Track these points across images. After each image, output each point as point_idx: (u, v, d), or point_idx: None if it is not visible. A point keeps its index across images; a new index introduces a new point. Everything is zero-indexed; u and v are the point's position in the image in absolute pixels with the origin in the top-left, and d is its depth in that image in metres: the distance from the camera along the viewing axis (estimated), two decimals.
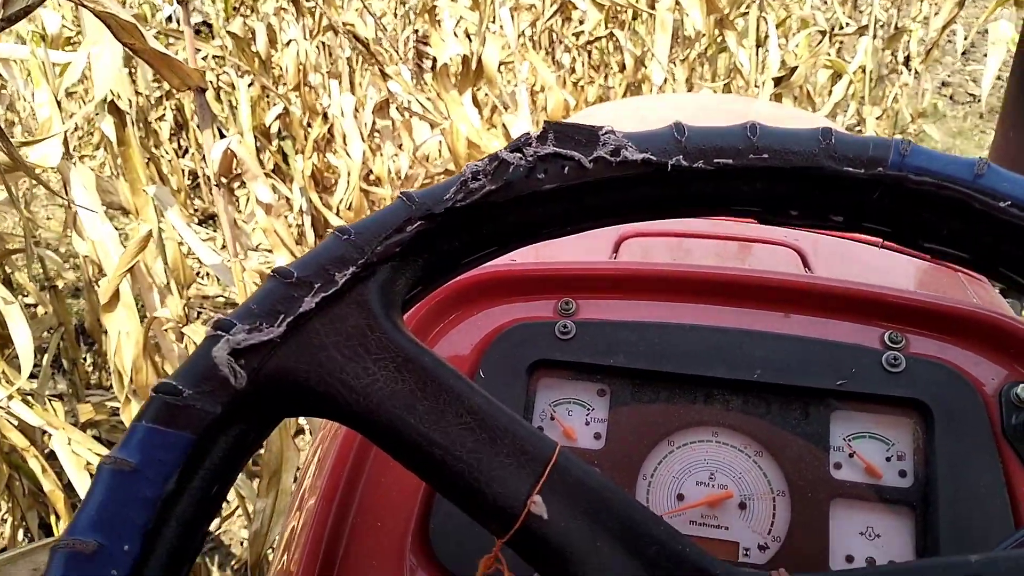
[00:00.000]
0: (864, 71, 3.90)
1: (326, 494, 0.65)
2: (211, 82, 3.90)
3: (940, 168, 0.40)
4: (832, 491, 0.64)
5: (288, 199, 3.39)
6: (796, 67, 3.26)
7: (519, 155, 0.42)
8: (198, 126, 2.06)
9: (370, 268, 0.39)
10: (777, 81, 3.22)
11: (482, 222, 0.42)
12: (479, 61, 2.79)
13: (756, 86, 3.22)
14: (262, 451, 1.83)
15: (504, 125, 2.70)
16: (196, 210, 4.35)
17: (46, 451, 1.95)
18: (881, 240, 0.45)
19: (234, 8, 4.23)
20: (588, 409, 0.70)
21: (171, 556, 0.35)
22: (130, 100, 2.18)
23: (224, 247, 1.99)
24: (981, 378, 0.66)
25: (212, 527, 2.31)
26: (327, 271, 0.39)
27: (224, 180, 1.84)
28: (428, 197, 0.42)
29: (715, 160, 0.42)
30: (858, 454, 0.65)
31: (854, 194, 0.42)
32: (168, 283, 2.08)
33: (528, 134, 0.43)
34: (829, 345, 0.68)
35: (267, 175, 3.41)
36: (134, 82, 3.36)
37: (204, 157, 1.81)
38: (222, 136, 1.81)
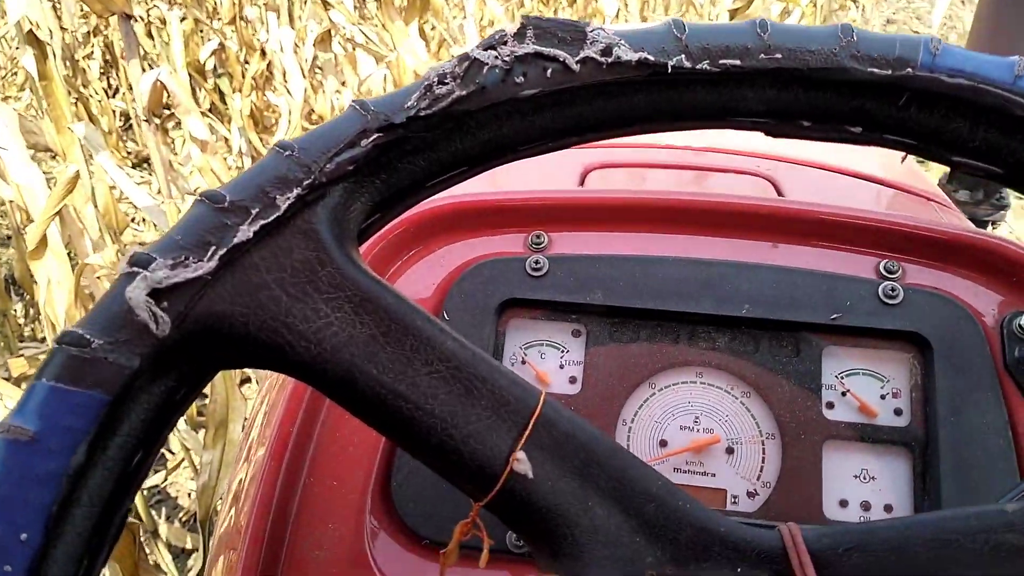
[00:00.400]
0: (815, 5, 3.86)
1: (275, 451, 0.59)
2: (141, 17, 3.67)
3: (976, 69, 0.35)
4: (824, 433, 0.60)
5: (226, 140, 3.23)
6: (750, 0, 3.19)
7: (493, 54, 0.36)
8: (123, 56, 1.92)
9: (319, 190, 0.34)
10: (732, 14, 3.15)
11: (450, 135, 0.37)
12: None
13: (710, 19, 3.15)
14: (206, 400, 1.76)
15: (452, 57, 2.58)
16: (129, 153, 4.14)
17: None
18: (902, 154, 0.40)
19: None
20: (563, 351, 0.65)
21: (83, 543, 0.29)
22: (51, 30, 2.01)
23: (160, 191, 1.87)
24: (982, 309, 0.62)
25: (157, 480, 2.23)
26: (267, 194, 0.34)
27: (155, 116, 1.71)
28: (386, 105, 0.36)
29: (721, 61, 0.36)
30: (852, 392, 0.61)
31: (877, 100, 0.36)
32: (100, 229, 1.96)
33: (503, 31, 0.37)
34: (821, 276, 0.63)
35: (203, 114, 3.24)
36: (59, 17, 3.13)
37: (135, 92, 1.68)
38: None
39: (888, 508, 0.58)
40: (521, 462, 0.32)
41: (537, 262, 0.64)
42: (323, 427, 0.62)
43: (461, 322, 0.63)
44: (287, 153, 0.34)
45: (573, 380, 0.64)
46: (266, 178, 0.34)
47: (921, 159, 0.42)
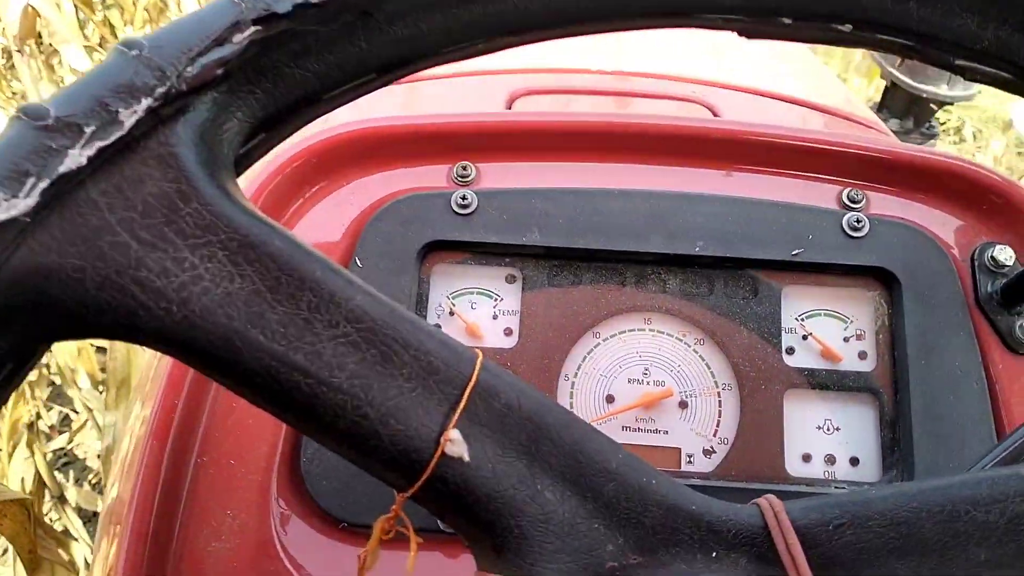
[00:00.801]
0: None
1: (158, 426, 0.50)
2: None
3: None
4: (785, 381, 0.54)
5: None
6: None
7: None
8: None
9: (178, 101, 0.27)
10: None
11: (352, 31, 0.29)
12: None
13: None
14: (106, 358, 1.63)
15: None
16: (15, 94, 3.81)
17: None
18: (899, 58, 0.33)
19: None
20: (496, 299, 0.57)
21: None
22: None
23: None
24: (951, 240, 0.57)
25: (62, 442, 2.10)
26: (106, 106, 0.26)
27: (34, 46, 1.52)
28: None
29: None
30: (814, 336, 0.55)
31: None
32: None
33: None
34: (781, 208, 0.56)
35: (92, 48, 2.98)
36: None
37: None
38: None
39: (854, 461, 0.53)
40: (454, 443, 0.27)
41: (464, 198, 0.56)
42: (217, 394, 0.53)
43: (376, 270, 0.55)
44: (134, 52, 0.26)
45: (508, 332, 0.56)
46: (105, 85, 0.26)
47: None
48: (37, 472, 1.61)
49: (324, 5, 0.27)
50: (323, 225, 0.57)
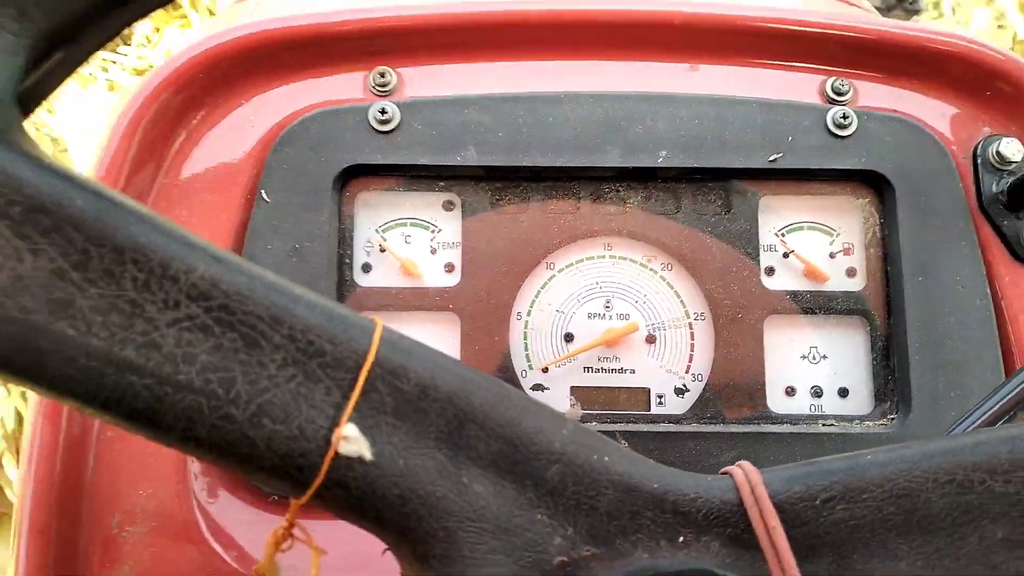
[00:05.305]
0: None
1: (48, 411, 0.42)
2: None
3: None
4: (765, 307, 0.48)
5: None
6: None
7: None
8: None
9: None
10: None
11: None
12: None
13: None
14: None
15: None
16: None
17: None
18: None
19: None
20: (433, 231, 0.49)
21: None
22: None
23: None
24: (951, 133, 0.49)
25: None
26: None
27: None
28: None
29: None
30: (796, 253, 0.49)
31: None
32: None
33: None
34: (756, 106, 0.49)
35: None
36: None
37: None
38: None
39: (843, 392, 0.48)
40: (350, 440, 0.22)
41: (383, 111, 0.47)
42: None
43: (290, 203, 0.46)
44: None
45: (450, 268, 0.49)
46: None
47: None
48: (17, 411, 1.55)
49: None
50: (221, 153, 0.48)
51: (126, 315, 0.21)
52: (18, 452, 1.49)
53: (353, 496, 0.23)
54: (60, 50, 0.22)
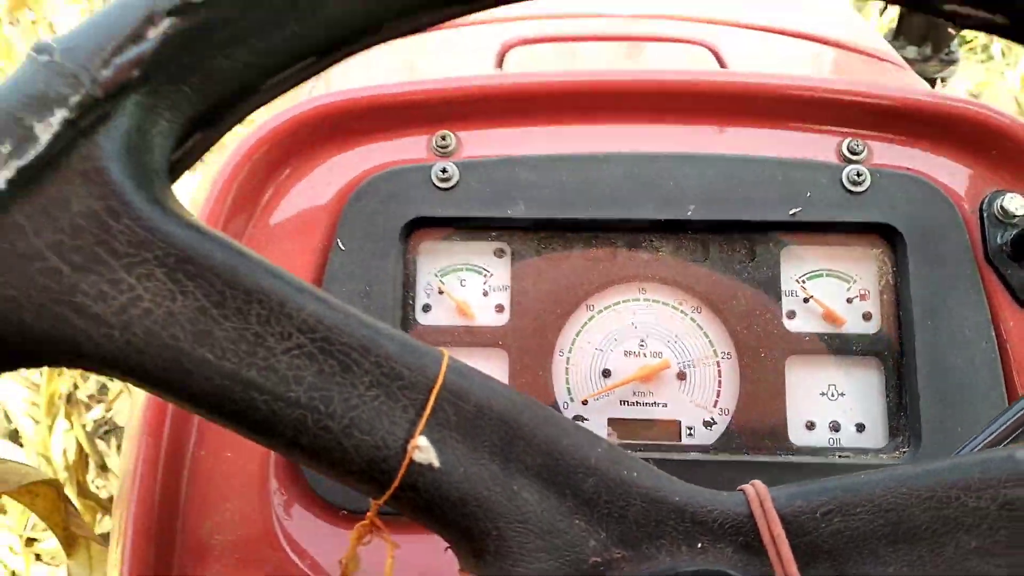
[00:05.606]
0: None
1: (151, 422, 0.49)
2: None
3: None
4: (787, 347, 0.52)
5: None
6: None
7: None
8: None
9: (96, 109, 0.25)
10: None
11: (280, 14, 0.27)
12: None
13: None
14: None
15: None
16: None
17: None
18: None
19: None
20: (485, 275, 0.55)
21: None
22: None
23: None
24: (959, 189, 0.54)
25: (102, 411, 2.13)
26: (20, 122, 0.24)
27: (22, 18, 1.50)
28: None
29: None
30: (815, 298, 0.53)
31: None
32: None
33: None
34: (776, 164, 0.54)
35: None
36: None
37: None
38: None
39: (860, 428, 0.52)
40: (422, 450, 0.26)
41: (444, 170, 0.54)
42: None
43: (361, 251, 0.53)
44: (44, 59, 0.24)
45: (500, 309, 0.55)
46: (17, 99, 0.24)
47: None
48: (78, 443, 1.63)
49: None
50: (301, 207, 0.55)
51: (251, 344, 0.26)
52: (79, 483, 1.55)
53: (422, 498, 0.27)
54: (201, 131, 0.29)
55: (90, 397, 2.18)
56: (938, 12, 0.30)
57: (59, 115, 0.24)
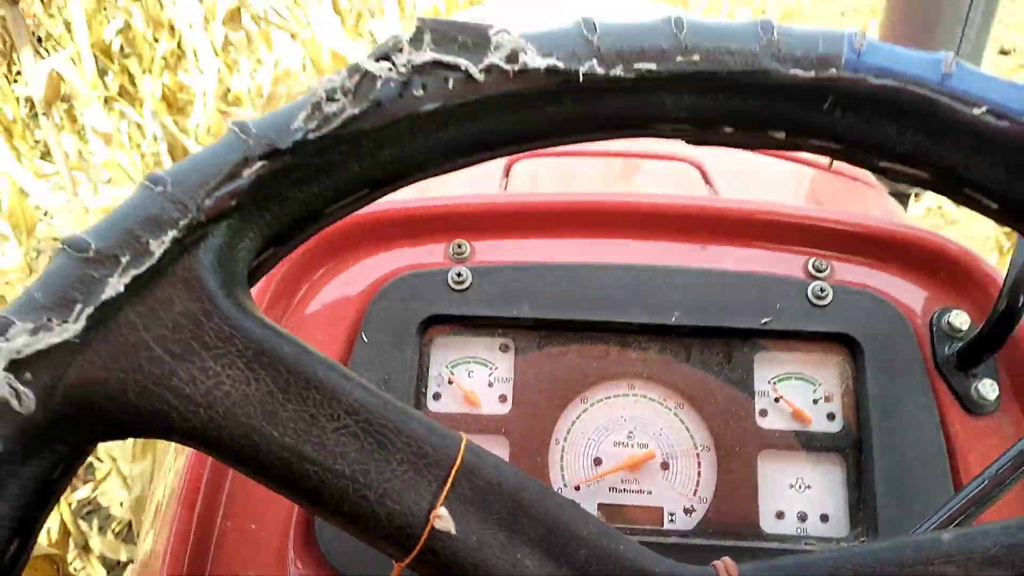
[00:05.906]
0: None
1: (186, 498, 0.54)
2: None
3: (903, 68, 0.32)
4: (759, 442, 0.58)
5: (139, 125, 3.08)
6: None
7: (388, 65, 0.32)
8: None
9: (198, 231, 0.31)
10: None
11: (346, 158, 0.33)
12: None
13: None
14: None
15: (371, 33, 2.49)
16: (38, 142, 3.91)
17: None
18: (829, 161, 0.38)
19: None
20: (491, 368, 0.61)
21: None
22: None
23: (64, 187, 1.76)
24: (911, 305, 0.61)
25: (87, 492, 2.13)
26: (137, 239, 0.30)
27: (60, 102, 1.60)
28: (270, 127, 0.32)
29: (636, 65, 0.32)
30: (784, 398, 0.60)
31: (800, 103, 0.33)
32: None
33: (397, 37, 0.33)
34: (750, 278, 0.61)
35: (112, 99, 3.07)
36: None
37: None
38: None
39: (824, 518, 0.57)
40: (443, 519, 0.30)
41: (459, 275, 0.61)
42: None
43: (382, 343, 0.59)
44: (159, 189, 0.30)
45: (503, 399, 0.61)
46: (136, 220, 0.30)
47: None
48: (62, 521, 1.65)
49: (320, 140, 0.32)
50: (331, 303, 0.62)
51: (307, 423, 0.30)
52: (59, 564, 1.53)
53: (441, 561, 0.30)
54: (274, 247, 0.35)
55: (76, 477, 2.17)
56: (873, 167, 0.36)
57: (170, 235, 0.30)
